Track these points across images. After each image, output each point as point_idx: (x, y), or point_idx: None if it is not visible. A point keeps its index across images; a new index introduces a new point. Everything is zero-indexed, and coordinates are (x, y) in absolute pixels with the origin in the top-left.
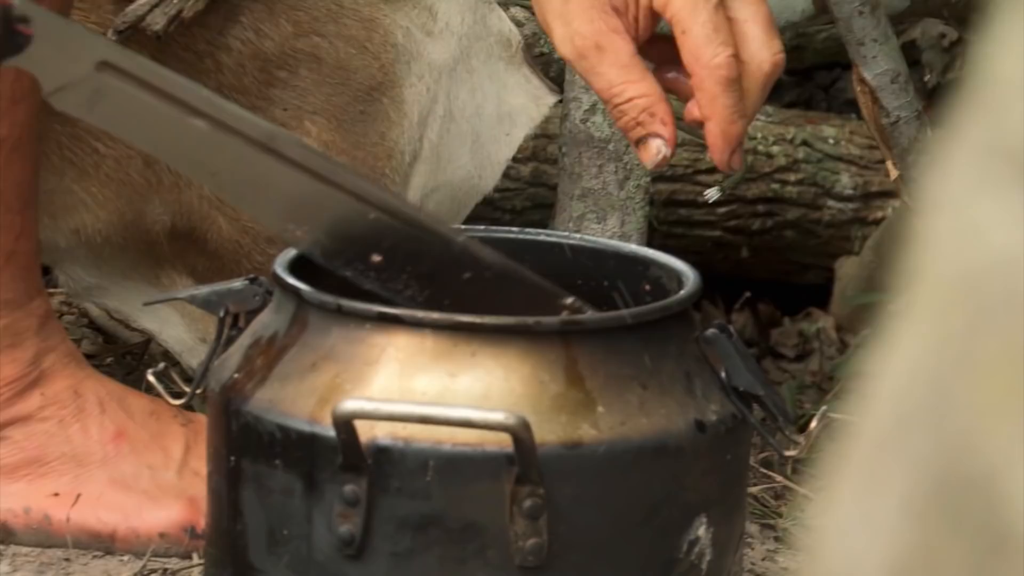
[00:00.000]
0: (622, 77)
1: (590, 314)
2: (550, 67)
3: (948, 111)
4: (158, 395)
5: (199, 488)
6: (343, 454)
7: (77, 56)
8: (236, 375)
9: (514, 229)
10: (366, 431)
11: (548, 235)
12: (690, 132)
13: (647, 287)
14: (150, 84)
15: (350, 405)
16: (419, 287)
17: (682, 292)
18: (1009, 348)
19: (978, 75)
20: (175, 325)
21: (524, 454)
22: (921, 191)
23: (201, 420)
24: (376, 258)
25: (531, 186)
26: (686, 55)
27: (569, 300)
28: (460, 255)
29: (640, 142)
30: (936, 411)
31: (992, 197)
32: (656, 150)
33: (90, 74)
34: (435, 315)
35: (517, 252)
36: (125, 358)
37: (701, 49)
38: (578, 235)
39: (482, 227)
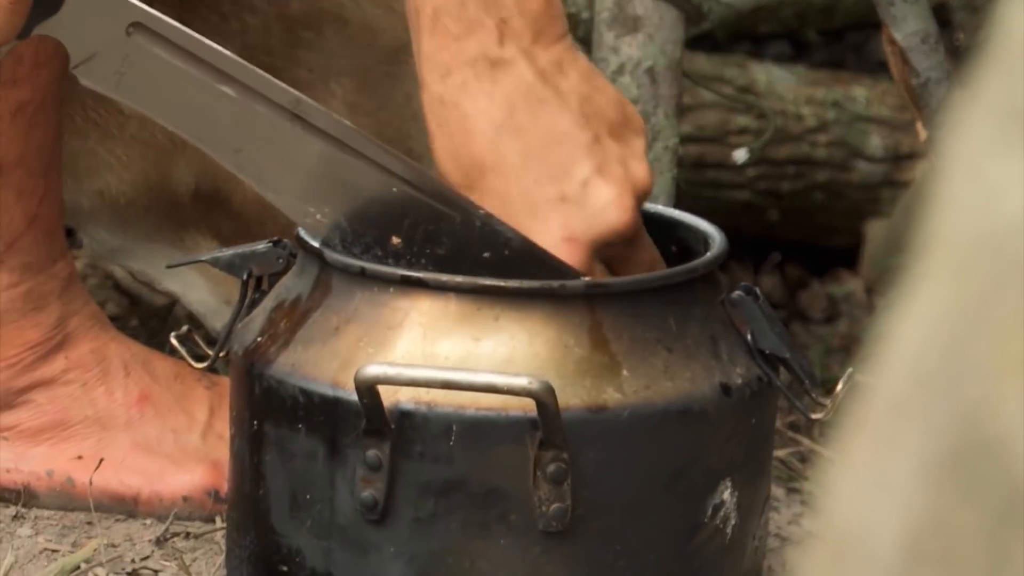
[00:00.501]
0: None
1: (614, 278)
2: (577, 27)
3: (973, 70)
4: (182, 358)
5: (223, 452)
6: (366, 419)
7: (110, 18)
8: (259, 338)
9: None
10: (389, 395)
11: None
12: (719, 93)
13: (674, 249)
14: (180, 47)
15: (373, 369)
16: (437, 272)
17: (708, 254)
18: (1023, 311)
19: (995, 37)
20: (199, 288)
21: (548, 419)
22: (940, 152)
23: (225, 383)
24: (396, 240)
25: None
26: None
27: (587, 279)
28: (480, 232)
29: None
30: (952, 374)
31: (1008, 159)
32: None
33: (121, 39)
34: (459, 279)
35: None
36: (150, 321)
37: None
38: None
39: None
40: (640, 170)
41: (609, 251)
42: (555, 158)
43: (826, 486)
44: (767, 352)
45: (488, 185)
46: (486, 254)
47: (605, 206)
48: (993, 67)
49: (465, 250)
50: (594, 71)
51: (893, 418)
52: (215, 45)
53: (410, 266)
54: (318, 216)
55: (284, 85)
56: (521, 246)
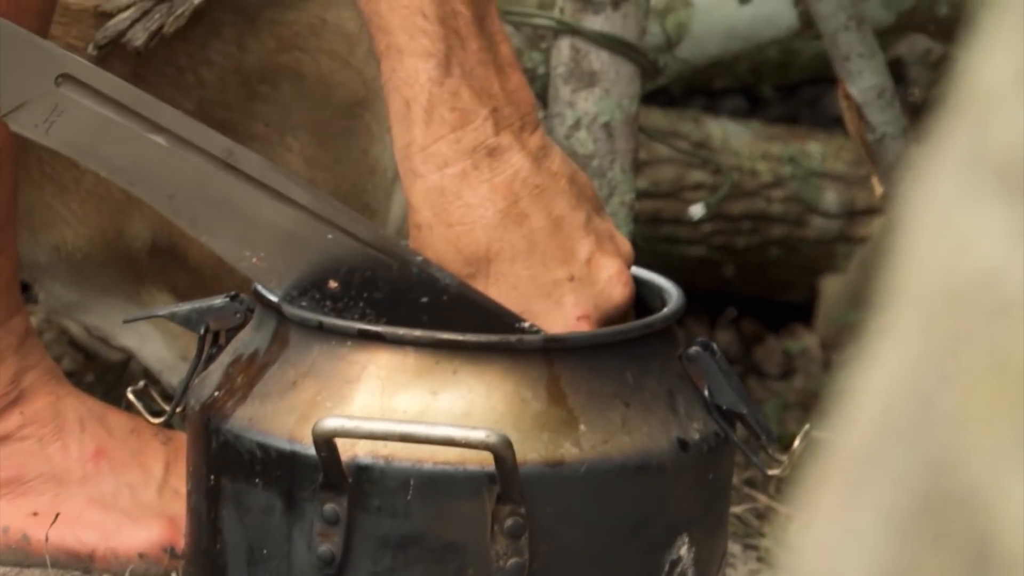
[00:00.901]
0: None
1: (572, 331)
2: (533, 83)
3: (933, 124)
4: (138, 413)
5: (179, 507)
6: (323, 472)
7: (38, 68)
8: (216, 393)
9: None
10: (347, 449)
11: None
12: (671, 146)
13: None
14: (110, 97)
15: (330, 423)
16: (376, 315)
17: (665, 310)
18: (992, 361)
19: (961, 86)
20: (155, 343)
21: (506, 473)
22: (905, 204)
23: (181, 438)
24: (333, 284)
25: None
26: None
27: (526, 324)
28: (417, 278)
29: None
30: (919, 424)
31: (975, 208)
32: None
33: (50, 88)
34: (417, 332)
35: None
36: (106, 376)
37: None
38: None
39: None
40: (624, 242)
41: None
42: (559, 241)
43: (789, 540)
44: (724, 407)
45: (496, 271)
46: (424, 299)
47: (610, 281)
48: (958, 117)
49: (403, 295)
50: (563, 152)
51: (860, 470)
52: (146, 95)
53: (347, 310)
54: (254, 260)
55: (216, 134)
56: (458, 292)
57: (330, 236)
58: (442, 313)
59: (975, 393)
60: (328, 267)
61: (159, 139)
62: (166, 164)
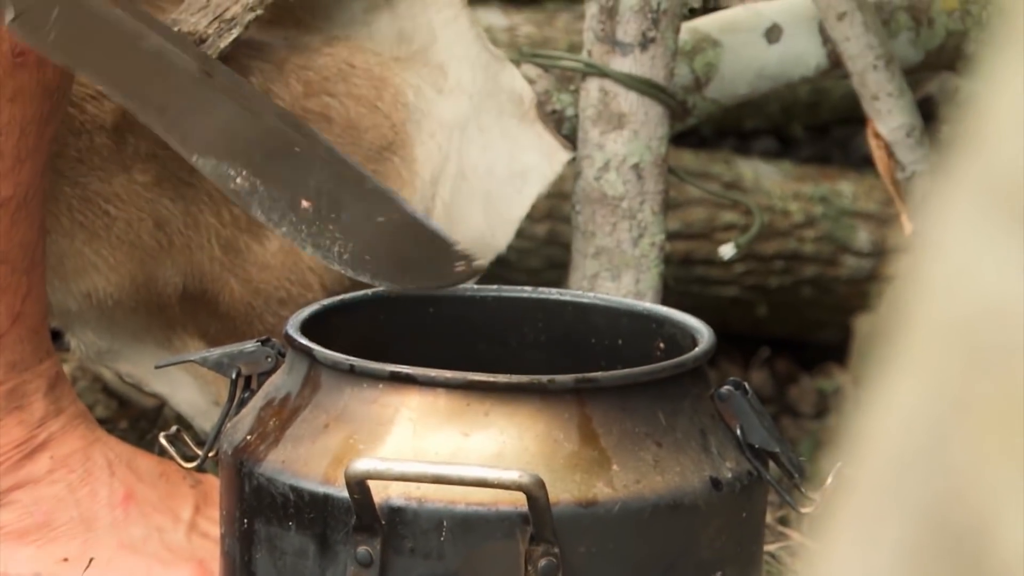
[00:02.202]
0: None
1: (603, 372)
2: (563, 124)
3: (946, 158)
4: (171, 458)
5: (209, 550)
6: (357, 515)
7: None
8: (248, 437)
9: (527, 288)
10: (379, 491)
11: (561, 293)
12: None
13: (661, 345)
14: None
15: (363, 465)
16: (344, 241)
17: (696, 349)
18: (1005, 395)
19: (971, 117)
20: (187, 388)
21: (538, 513)
22: (919, 237)
23: (210, 481)
24: (305, 204)
25: (547, 245)
26: None
27: (459, 247)
28: (371, 194)
29: None
30: (931, 459)
31: (987, 241)
32: None
33: None
34: (448, 374)
35: (530, 311)
36: (138, 422)
37: None
38: (591, 293)
39: (494, 287)
40: None
41: None
42: None
43: (808, 572)
44: (756, 446)
45: None
46: (379, 218)
47: None
48: (968, 149)
49: (365, 217)
50: None
51: (873, 502)
52: (139, 7)
53: (320, 236)
54: (238, 180)
55: (196, 48)
56: (409, 214)
57: (297, 149)
58: (395, 236)
59: (987, 427)
60: (300, 183)
61: (151, 45)
62: (157, 74)
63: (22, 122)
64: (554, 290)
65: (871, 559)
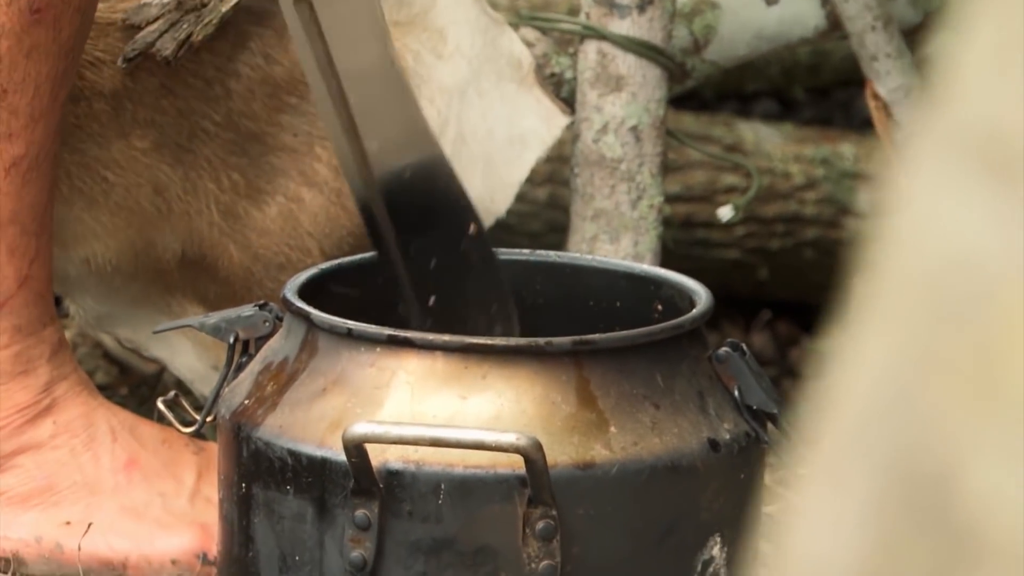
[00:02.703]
0: None
1: (601, 335)
2: (561, 87)
3: (920, 108)
4: (169, 423)
5: (211, 515)
6: (354, 478)
7: None
8: (246, 401)
9: (525, 251)
10: (377, 455)
11: (559, 256)
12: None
13: (659, 307)
14: None
15: (361, 428)
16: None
17: (694, 311)
18: (971, 346)
19: (941, 68)
20: (186, 353)
21: (536, 476)
22: (891, 190)
23: (213, 448)
24: None
25: (548, 209)
26: None
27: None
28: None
29: None
30: (898, 410)
31: (956, 192)
32: None
33: None
34: (446, 337)
35: (528, 273)
36: (139, 388)
37: None
38: (589, 256)
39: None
40: None
41: None
42: None
43: (780, 522)
44: (755, 408)
45: None
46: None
47: None
48: (938, 99)
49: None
50: None
51: (841, 454)
52: None
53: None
54: None
55: None
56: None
57: None
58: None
59: (952, 378)
60: None
61: None
62: None
63: (37, 80)
64: (552, 252)
65: (840, 510)
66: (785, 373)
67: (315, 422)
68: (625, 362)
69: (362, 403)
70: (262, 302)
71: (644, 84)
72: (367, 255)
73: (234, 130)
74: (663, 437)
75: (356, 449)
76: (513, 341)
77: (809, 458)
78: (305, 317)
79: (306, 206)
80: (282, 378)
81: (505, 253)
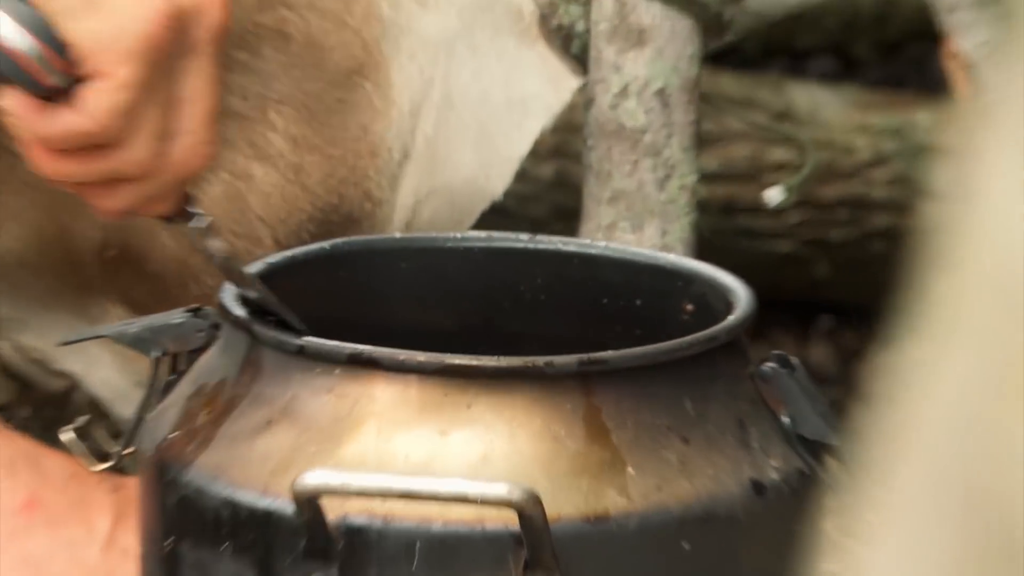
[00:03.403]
0: None
1: (613, 352)
2: (571, 42)
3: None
4: (80, 456)
5: (129, 570)
6: (307, 536)
7: None
8: (174, 433)
9: (523, 236)
10: (336, 507)
11: (564, 243)
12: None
13: (689, 307)
14: None
15: (314, 478)
16: None
17: (731, 317)
18: None
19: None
20: (104, 366)
21: (534, 533)
22: (972, 166)
23: (134, 485)
24: None
25: (553, 190)
26: None
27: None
28: None
29: None
30: (979, 440)
31: None
32: None
33: None
34: (421, 357)
35: (526, 265)
36: (44, 409)
37: None
38: (602, 243)
39: (483, 234)
40: None
41: None
42: None
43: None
44: (809, 438)
45: None
46: None
47: None
48: (1010, 87)
49: None
50: None
51: (916, 501)
52: None
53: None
54: None
55: None
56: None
57: None
58: None
59: None
60: None
61: None
62: None
63: None
64: (556, 238)
65: (916, 567)
66: (848, 393)
67: (258, 463)
68: (645, 385)
69: (317, 440)
70: (195, 307)
71: (672, 38)
72: (326, 244)
73: None
74: (694, 479)
75: (309, 503)
76: (505, 361)
77: (879, 501)
78: (246, 328)
79: (256, 184)
80: (218, 405)
81: (498, 239)
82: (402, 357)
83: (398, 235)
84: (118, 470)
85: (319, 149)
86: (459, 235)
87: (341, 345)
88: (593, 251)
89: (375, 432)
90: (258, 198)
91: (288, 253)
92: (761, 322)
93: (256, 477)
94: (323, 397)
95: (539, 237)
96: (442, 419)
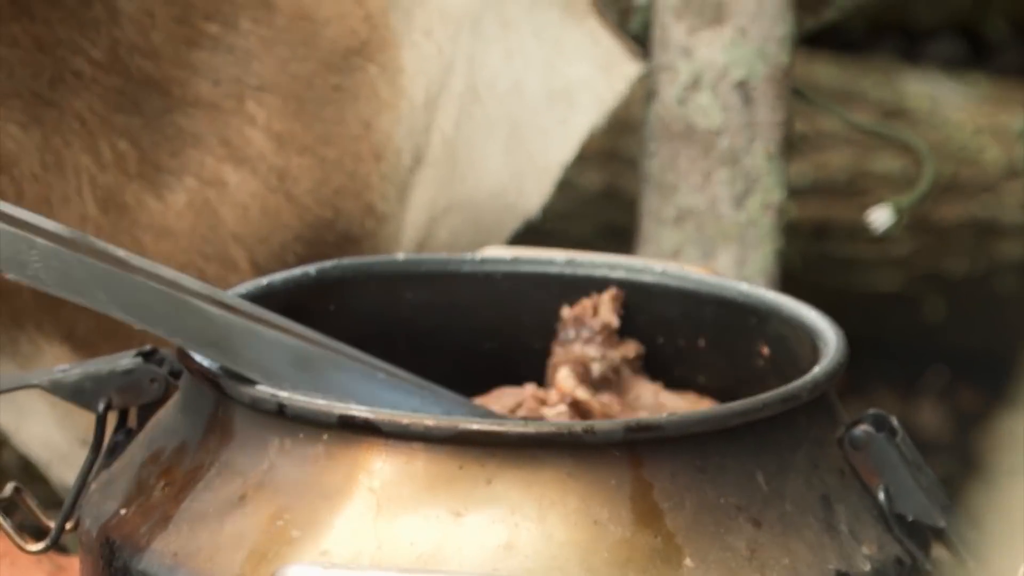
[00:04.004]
0: None
1: (668, 414)
2: (629, 18)
3: None
4: (7, 534)
5: None
6: None
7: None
8: (124, 510)
9: (557, 258)
10: None
11: (611, 268)
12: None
13: (764, 351)
14: None
15: (298, 572)
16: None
17: (816, 369)
18: None
19: None
20: (40, 419)
21: None
22: None
23: (75, 566)
24: None
25: (603, 205)
26: None
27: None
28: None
29: None
30: None
31: None
32: None
33: None
34: (429, 421)
35: (561, 294)
36: None
37: None
38: (658, 267)
39: (507, 257)
40: None
41: None
42: None
43: None
44: (911, 519)
45: None
46: None
47: None
48: None
49: None
50: None
51: None
52: None
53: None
54: None
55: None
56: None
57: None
58: None
59: None
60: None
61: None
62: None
63: None
64: (600, 260)
65: None
66: (964, 464)
67: (228, 549)
68: (708, 455)
69: (300, 522)
70: (149, 348)
71: (759, 14)
72: (311, 269)
73: (122, 73)
74: (767, 572)
75: None
76: (533, 427)
77: None
78: (212, 380)
79: (230, 193)
80: (178, 475)
81: (525, 263)
82: (406, 421)
83: (401, 257)
84: (58, 548)
85: (310, 149)
86: (477, 258)
87: (330, 404)
88: (647, 278)
89: (373, 513)
90: (233, 210)
91: (264, 280)
92: (856, 373)
93: (225, 567)
94: (308, 468)
95: (577, 259)
96: (456, 498)
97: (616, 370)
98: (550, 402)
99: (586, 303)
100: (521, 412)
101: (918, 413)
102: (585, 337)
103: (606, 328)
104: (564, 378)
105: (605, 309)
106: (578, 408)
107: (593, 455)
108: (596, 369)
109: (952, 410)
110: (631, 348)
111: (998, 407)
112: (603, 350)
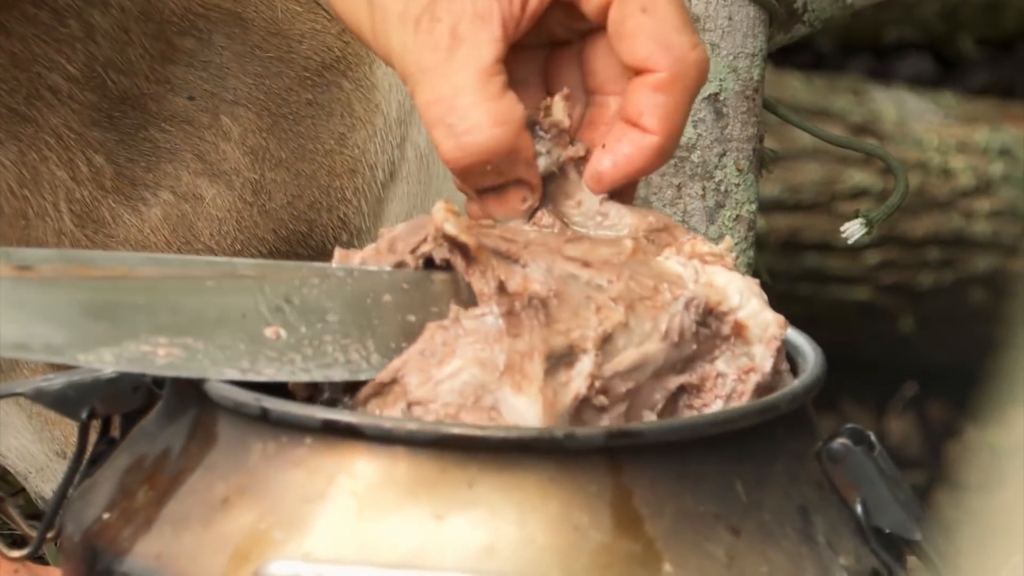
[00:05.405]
0: (471, 91)
1: (648, 422)
2: None
3: None
4: None
5: None
6: None
7: None
8: (107, 515)
9: None
10: None
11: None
12: (827, 138)
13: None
14: None
15: (281, 569)
16: (343, 346)
17: (795, 382)
18: None
19: None
20: (18, 431)
21: None
22: None
23: None
24: (271, 331)
25: None
26: (646, 42)
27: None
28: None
29: (491, 192)
30: None
31: None
32: (520, 201)
33: None
34: (411, 425)
35: None
36: None
37: (675, 35)
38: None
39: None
40: None
41: None
42: None
43: None
44: (887, 531)
45: None
46: (387, 296)
47: None
48: None
49: (359, 303)
50: None
51: None
52: None
53: (317, 356)
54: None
55: None
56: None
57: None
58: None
59: None
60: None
61: None
62: None
63: None
64: None
65: None
66: (938, 478)
67: (211, 551)
68: (688, 463)
69: (283, 524)
70: None
71: (731, 30)
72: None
73: (98, 89)
74: None
75: None
76: (515, 432)
77: None
78: (195, 387)
79: (205, 207)
80: (161, 480)
81: None
82: (388, 425)
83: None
84: (37, 559)
85: (284, 164)
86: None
87: (313, 408)
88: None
89: (355, 516)
90: (208, 225)
91: None
92: (831, 388)
93: (208, 568)
94: (291, 472)
95: None
96: (437, 501)
97: (562, 168)
98: (428, 237)
99: (539, 104)
100: (425, 248)
101: (890, 427)
102: (536, 135)
103: (555, 126)
104: (437, 209)
105: (557, 109)
106: (456, 244)
107: (574, 461)
108: (541, 164)
109: (922, 424)
110: (580, 149)
111: (967, 420)
112: (550, 146)
